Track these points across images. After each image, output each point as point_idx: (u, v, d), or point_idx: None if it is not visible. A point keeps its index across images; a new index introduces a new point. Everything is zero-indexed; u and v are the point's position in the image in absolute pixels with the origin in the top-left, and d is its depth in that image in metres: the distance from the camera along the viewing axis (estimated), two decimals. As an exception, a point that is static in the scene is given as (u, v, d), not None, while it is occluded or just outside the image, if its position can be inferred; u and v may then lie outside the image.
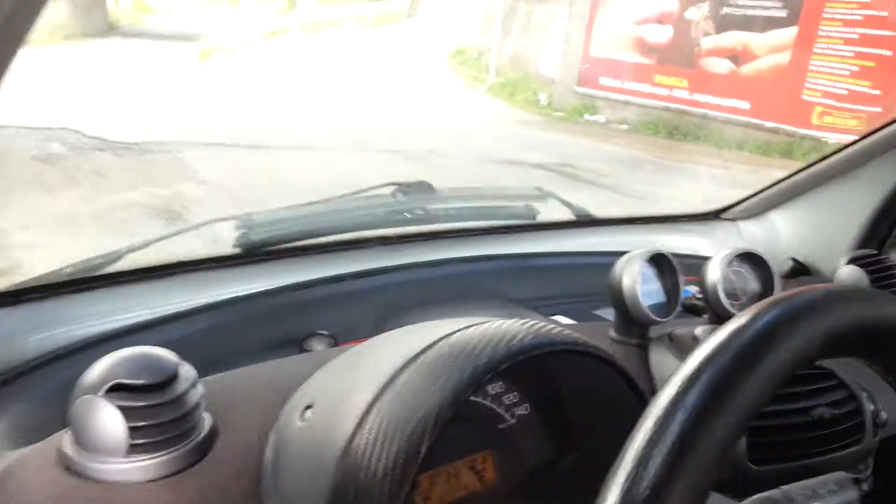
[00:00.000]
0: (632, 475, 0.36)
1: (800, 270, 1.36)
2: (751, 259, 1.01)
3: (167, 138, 6.77)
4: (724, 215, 1.58)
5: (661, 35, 9.50)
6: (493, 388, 0.70)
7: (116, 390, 0.62)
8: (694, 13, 9.10)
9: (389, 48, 14.73)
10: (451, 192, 1.39)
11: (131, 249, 1.11)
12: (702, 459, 0.36)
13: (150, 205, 4.98)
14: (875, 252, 1.24)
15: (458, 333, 0.59)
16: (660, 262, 0.98)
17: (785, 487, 0.59)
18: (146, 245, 1.15)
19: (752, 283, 1.01)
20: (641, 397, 0.63)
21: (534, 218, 1.46)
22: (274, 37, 14.84)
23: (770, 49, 8.48)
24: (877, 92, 7.72)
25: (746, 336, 0.39)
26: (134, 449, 0.62)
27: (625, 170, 7.43)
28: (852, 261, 1.21)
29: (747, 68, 8.74)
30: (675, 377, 0.39)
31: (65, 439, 0.64)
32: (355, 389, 0.58)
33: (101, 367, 0.63)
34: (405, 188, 1.31)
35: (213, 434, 0.68)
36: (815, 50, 8.07)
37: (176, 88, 9.86)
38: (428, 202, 1.33)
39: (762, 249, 1.03)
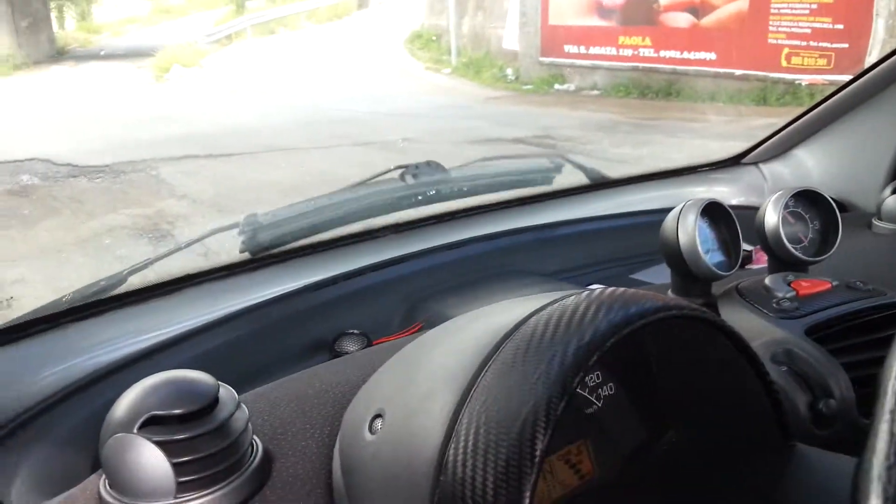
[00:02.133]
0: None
1: (838, 207, 1.29)
2: (806, 198, 0.94)
3: (138, 157, 6.62)
4: (745, 160, 1.50)
5: (618, -5, 9.44)
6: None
7: (151, 424, 0.53)
8: (647, -31, 9.04)
9: (346, 41, 14.53)
10: (462, 169, 1.30)
11: (133, 270, 1.02)
12: None
13: (134, 226, 4.86)
14: (919, 178, 1.17)
15: (543, 312, 0.51)
16: (712, 213, 0.90)
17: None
18: (148, 264, 1.06)
19: (812, 224, 0.94)
20: (754, 361, 0.55)
21: (549, 186, 1.38)
22: (229, 42, 14.59)
23: (729, -4, 8.46)
24: (839, 26, 7.69)
25: None
26: (183, 487, 0.54)
27: (603, 134, 7.37)
28: (897, 190, 1.14)
29: (708, 19, 8.70)
30: None
31: (101, 484, 0.56)
32: (434, 391, 0.50)
33: (129, 400, 0.54)
34: (413, 169, 1.22)
35: (267, 460, 0.59)
36: (773, -9, 8.05)
37: (138, 106, 9.66)
38: (439, 182, 1.25)
39: None
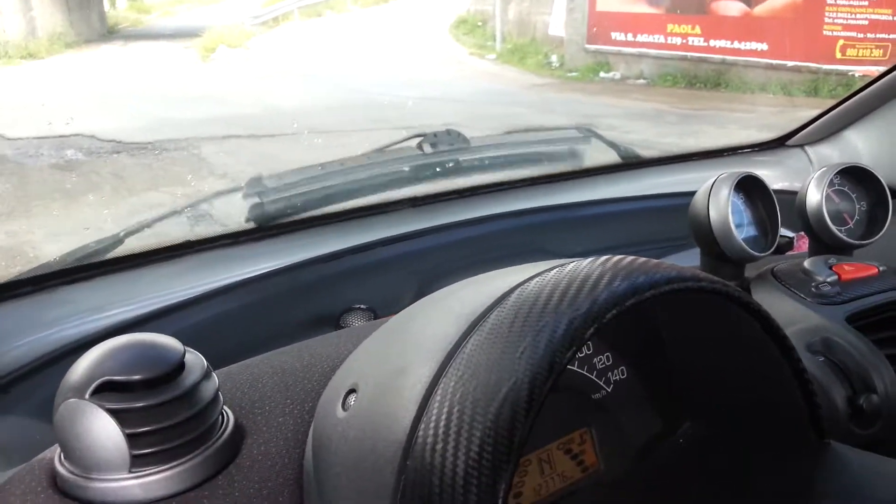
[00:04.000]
0: None
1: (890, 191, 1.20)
2: (854, 175, 0.86)
3: (181, 135, 6.67)
4: (790, 142, 1.41)
5: (669, -19, 9.22)
6: (581, 349, 0.55)
7: (107, 390, 0.48)
8: (701, -45, 8.81)
9: (391, 25, 14.49)
10: (486, 140, 1.23)
11: (131, 232, 0.97)
12: None
13: (173, 205, 4.87)
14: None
15: (538, 279, 0.45)
16: (748, 189, 0.82)
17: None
18: (148, 226, 1.02)
19: (859, 204, 0.85)
20: (785, 347, 0.48)
21: (577, 163, 1.31)
22: (276, 25, 14.65)
23: (783, -14, 8.20)
24: (899, 18, 7.43)
25: None
26: (138, 461, 0.49)
27: (648, 124, 7.19)
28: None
29: (761, 8, 8.44)
30: None
31: (56, 455, 0.51)
32: (410, 363, 0.44)
33: (85, 363, 0.49)
34: (432, 138, 1.16)
35: (237, 435, 0.54)
36: (830, -18, 7.79)
37: (183, 85, 9.75)
38: (459, 152, 1.18)
39: None
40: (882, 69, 1.25)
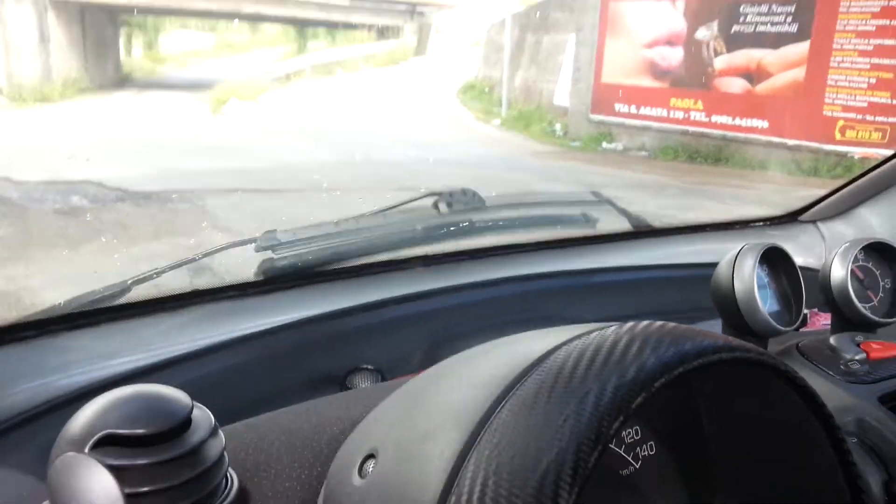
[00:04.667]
0: None
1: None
2: (878, 252, 0.84)
3: (187, 186, 6.70)
4: (802, 217, 1.40)
5: (673, 57, 9.38)
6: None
7: (107, 444, 0.45)
8: (704, 33, 8.98)
9: (401, 86, 14.76)
10: (500, 201, 1.23)
11: (138, 280, 0.95)
12: None
13: (174, 255, 4.85)
14: None
15: (577, 342, 0.42)
16: (772, 261, 0.80)
17: None
18: (157, 275, 1.00)
19: (884, 281, 0.84)
20: (829, 427, 0.45)
21: (591, 229, 1.30)
22: (288, 81, 14.92)
23: (785, 65, 8.35)
24: (898, 102, 7.57)
25: None
26: (135, 524, 0.45)
27: (648, 196, 7.23)
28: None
29: (763, 86, 8.60)
30: None
31: None
32: (437, 428, 0.41)
33: (87, 414, 0.46)
34: (448, 197, 1.15)
35: (241, 499, 0.51)
36: (831, 64, 7.94)
37: (193, 136, 9.88)
38: (474, 213, 1.17)
39: None
40: (881, 151, 1.25)
